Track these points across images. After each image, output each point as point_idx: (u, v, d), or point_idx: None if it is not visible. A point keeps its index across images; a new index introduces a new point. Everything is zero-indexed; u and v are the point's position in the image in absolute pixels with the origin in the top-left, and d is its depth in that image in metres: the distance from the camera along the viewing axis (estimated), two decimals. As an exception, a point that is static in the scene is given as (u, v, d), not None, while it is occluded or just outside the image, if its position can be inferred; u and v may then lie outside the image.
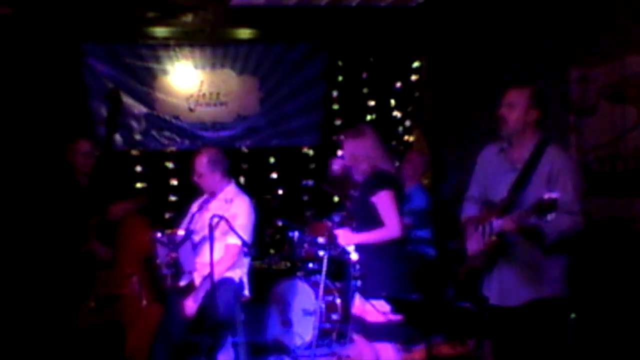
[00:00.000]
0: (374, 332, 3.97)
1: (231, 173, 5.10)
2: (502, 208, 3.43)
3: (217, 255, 4.51)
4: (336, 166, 4.81)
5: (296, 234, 6.06)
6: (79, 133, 5.46)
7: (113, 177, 5.30)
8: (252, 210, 4.87)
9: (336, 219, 5.73)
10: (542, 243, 3.34)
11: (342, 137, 4.27)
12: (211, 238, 4.35)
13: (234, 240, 4.56)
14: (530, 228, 3.26)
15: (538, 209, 3.04)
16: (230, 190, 4.91)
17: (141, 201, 5.19)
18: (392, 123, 7.47)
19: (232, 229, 4.46)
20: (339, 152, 7.11)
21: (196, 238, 4.72)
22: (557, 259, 3.44)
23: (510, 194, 3.43)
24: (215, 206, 4.79)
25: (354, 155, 4.12)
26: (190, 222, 4.81)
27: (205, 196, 4.91)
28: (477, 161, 3.77)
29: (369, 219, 4.02)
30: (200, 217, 4.80)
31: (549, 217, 3.00)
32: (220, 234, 4.62)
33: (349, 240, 4.19)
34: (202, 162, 4.80)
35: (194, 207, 4.96)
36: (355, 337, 4.21)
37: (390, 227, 3.95)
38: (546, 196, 3.00)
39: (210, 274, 4.37)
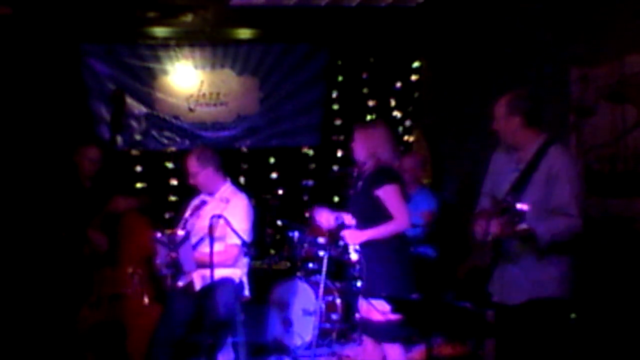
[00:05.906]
0: (381, 332, 3.96)
1: (231, 173, 5.10)
2: (500, 209, 3.43)
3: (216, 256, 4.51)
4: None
5: (296, 234, 6.05)
6: (80, 134, 5.43)
7: (116, 178, 5.29)
8: (251, 209, 4.87)
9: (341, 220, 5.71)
10: (536, 246, 3.34)
11: (354, 128, 4.19)
12: (211, 238, 4.36)
13: (233, 240, 4.56)
14: (520, 232, 3.28)
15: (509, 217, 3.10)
16: (226, 189, 4.92)
17: (144, 201, 5.19)
18: (392, 123, 7.45)
19: (232, 228, 4.47)
20: (339, 154, 7.15)
21: (192, 240, 4.72)
22: (559, 259, 3.44)
23: (507, 195, 3.43)
24: (212, 207, 4.78)
25: (363, 146, 4.06)
26: (184, 226, 4.78)
27: (199, 199, 4.89)
28: (490, 159, 3.79)
29: (371, 216, 4.00)
30: (195, 222, 4.79)
31: (519, 227, 3.09)
32: (219, 236, 4.63)
33: (357, 238, 4.10)
34: (193, 161, 4.85)
35: (188, 210, 4.97)
36: (364, 338, 4.21)
37: (400, 219, 3.94)
38: (517, 206, 3.07)
39: (211, 275, 4.38)
